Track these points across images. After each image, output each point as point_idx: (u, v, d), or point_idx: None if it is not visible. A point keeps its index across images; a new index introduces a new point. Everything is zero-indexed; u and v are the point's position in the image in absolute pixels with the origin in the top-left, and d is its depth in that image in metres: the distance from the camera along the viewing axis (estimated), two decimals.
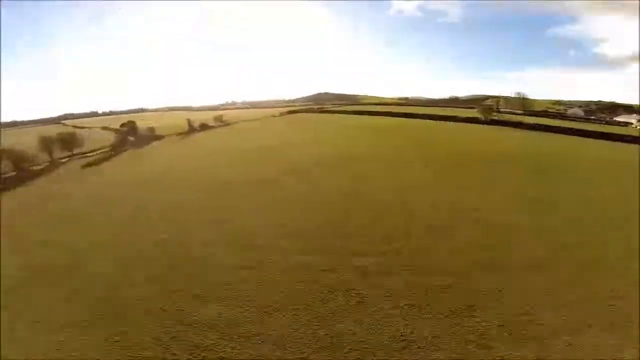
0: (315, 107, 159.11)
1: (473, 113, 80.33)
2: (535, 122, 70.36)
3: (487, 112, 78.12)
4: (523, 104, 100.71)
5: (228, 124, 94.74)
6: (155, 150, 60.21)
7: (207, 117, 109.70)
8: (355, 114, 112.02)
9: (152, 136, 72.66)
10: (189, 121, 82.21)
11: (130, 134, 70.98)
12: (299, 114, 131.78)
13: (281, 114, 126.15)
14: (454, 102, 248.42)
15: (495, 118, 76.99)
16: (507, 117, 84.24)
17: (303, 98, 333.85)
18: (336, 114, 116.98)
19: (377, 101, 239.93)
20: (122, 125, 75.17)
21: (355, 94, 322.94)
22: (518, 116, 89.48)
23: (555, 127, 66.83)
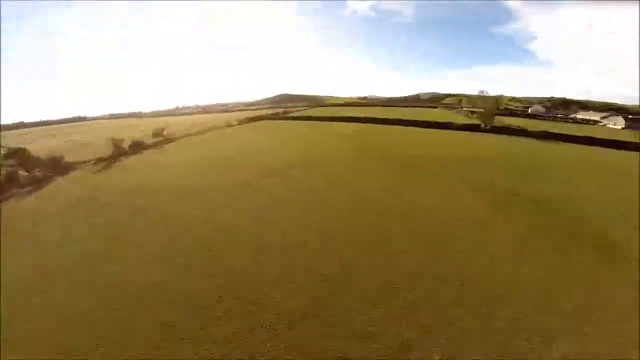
0: (280, 111, 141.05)
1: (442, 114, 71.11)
2: (542, 130, 61.18)
3: (487, 117, 67.64)
4: (495, 102, 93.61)
5: (171, 140, 73.59)
6: None
7: (150, 127, 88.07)
8: (331, 120, 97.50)
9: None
10: (113, 141, 58.73)
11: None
12: (263, 120, 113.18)
13: (240, 122, 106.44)
14: (415, 100, 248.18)
15: (495, 124, 66.91)
16: (506, 121, 75.44)
17: (264, 100, 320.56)
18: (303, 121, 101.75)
19: (339, 101, 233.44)
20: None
21: (316, 94, 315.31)
22: (510, 120, 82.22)
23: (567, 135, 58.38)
